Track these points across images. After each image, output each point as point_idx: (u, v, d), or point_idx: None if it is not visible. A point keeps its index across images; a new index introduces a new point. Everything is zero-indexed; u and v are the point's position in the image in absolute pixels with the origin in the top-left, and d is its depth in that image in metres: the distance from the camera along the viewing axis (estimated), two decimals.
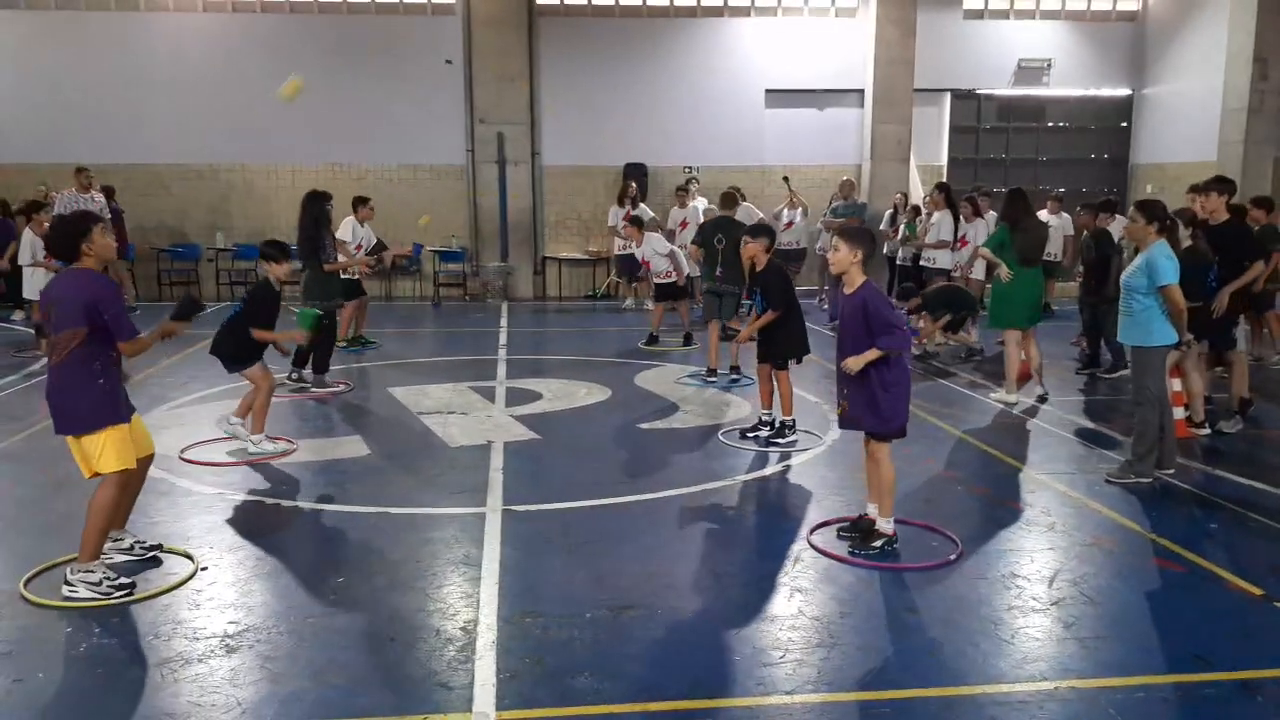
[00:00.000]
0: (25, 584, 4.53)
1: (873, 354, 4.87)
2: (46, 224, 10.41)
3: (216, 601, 4.48)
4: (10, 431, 7.28)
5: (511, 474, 6.38)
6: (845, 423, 5.21)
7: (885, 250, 12.91)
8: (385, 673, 3.81)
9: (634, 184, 14.64)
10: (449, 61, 15.34)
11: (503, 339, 11.89)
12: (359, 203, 10.77)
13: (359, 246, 10.60)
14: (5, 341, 11.28)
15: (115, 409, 4.55)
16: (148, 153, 15.16)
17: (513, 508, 5.69)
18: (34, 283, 10.07)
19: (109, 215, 13.05)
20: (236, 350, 6.80)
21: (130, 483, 4.72)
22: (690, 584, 4.77)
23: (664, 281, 11.16)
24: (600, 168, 15.70)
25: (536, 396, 8.64)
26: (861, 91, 15.96)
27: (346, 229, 10.49)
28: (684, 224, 13.17)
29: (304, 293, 8.91)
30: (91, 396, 4.46)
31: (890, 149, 15.77)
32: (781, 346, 7.14)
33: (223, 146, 15.32)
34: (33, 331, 10.65)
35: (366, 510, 5.68)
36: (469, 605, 4.40)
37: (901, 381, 5.02)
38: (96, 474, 4.53)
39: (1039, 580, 4.73)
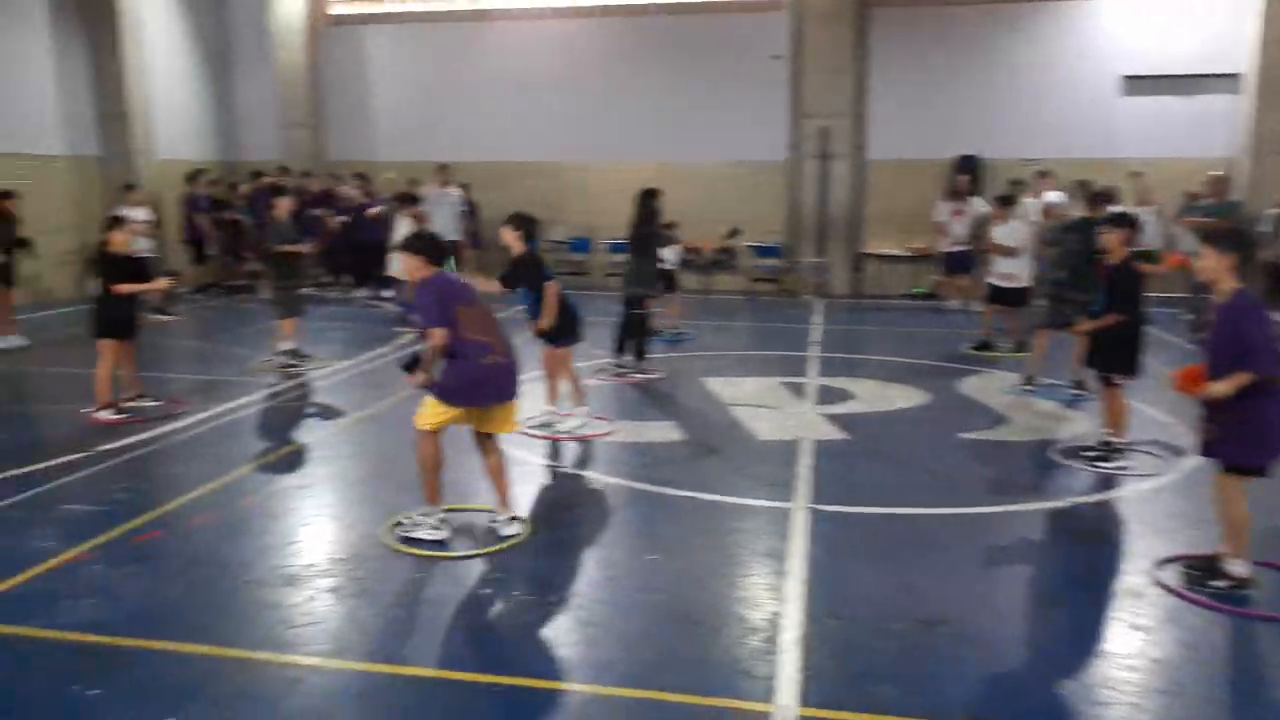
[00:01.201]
0: (387, 530, 5.14)
1: (1242, 378, 4.25)
2: (416, 213, 11.77)
3: (540, 564, 4.84)
4: (379, 397, 8.29)
5: (820, 473, 6.31)
6: (1206, 449, 4.60)
7: (1270, 256, 11.26)
8: (691, 653, 3.92)
9: (964, 177, 13.91)
10: (776, 57, 15.43)
11: (816, 336, 11.79)
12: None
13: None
14: (375, 319, 12.85)
15: None
16: (496, 151, 16.62)
17: (820, 507, 5.62)
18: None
19: (465, 208, 14.51)
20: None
21: None
22: (1010, 606, 4.47)
23: (1000, 283, 10.46)
24: (927, 161, 15.07)
25: (849, 396, 8.49)
26: (1237, 76, 14.08)
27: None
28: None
29: (625, 280, 9.37)
30: None
31: (1275, 142, 13.76)
32: (1112, 356, 6.45)
33: (562, 145, 16.46)
34: (401, 308, 12.02)
35: (677, 494, 5.86)
36: (773, 599, 4.40)
37: (1272, 411, 4.36)
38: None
39: None
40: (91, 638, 3.96)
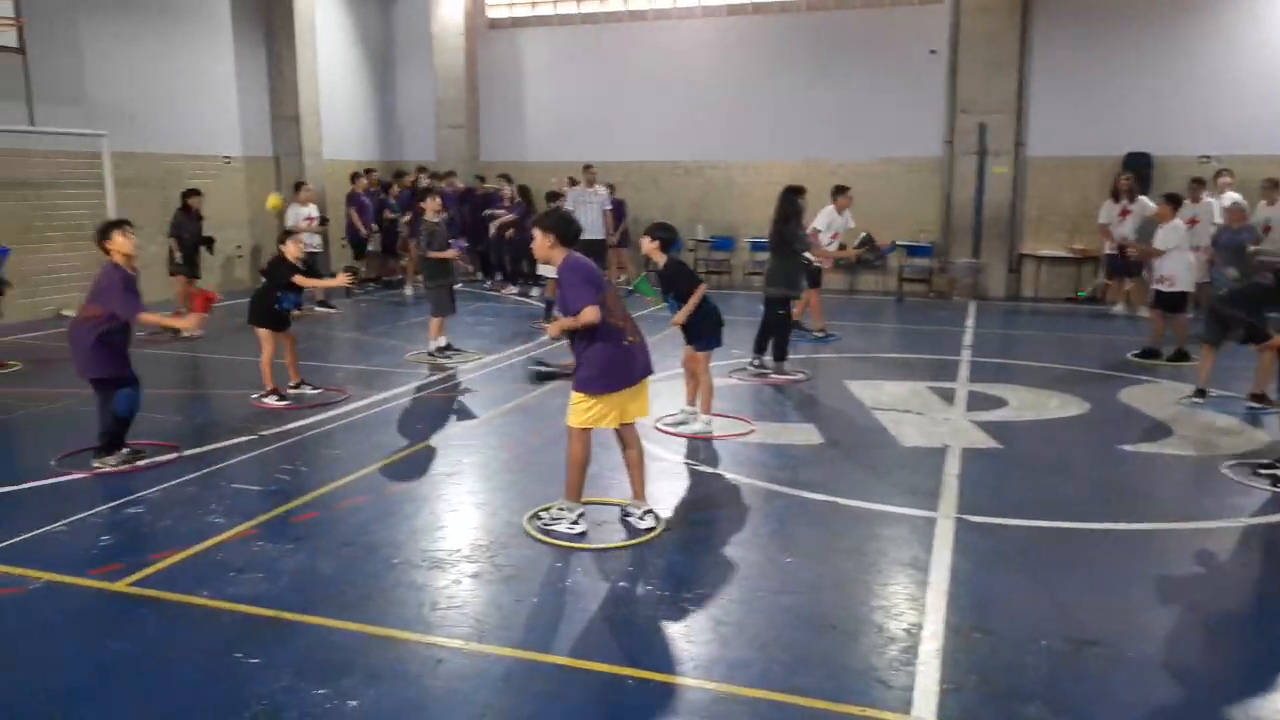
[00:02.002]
0: (528, 520, 5.26)
1: None
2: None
3: (675, 561, 4.85)
4: (525, 390, 8.48)
5: (968, 482, 6.08)
6: None
7: None
8: (826, 658, 3.84)
9: (1126, 176, 13.06)
10: (933, 52, 14.98)
11: (968, 339, 11.37)
12: (837, 192, 11.17)
13: (834, 235, 11.00)
14: (523, 315, 13.19)
15: None
16: (643, 151, 16.80)
17: (967, 517, 5.41)
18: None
19: (610, 206, 14.70)
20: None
21: None
22: (1169, 630, 4.19)
23: (1157, 286, 9.87)
24: (1093, 158, 14.30)
25: (1001, 403, 8.14)
26: None
27: (823, 218, 10.93)
28: (1193, 221, 11.51)
29: (767, 279, 9.28)
30: None
31: None
32: None
33: (709, 144, 16.47)
34: (544, 306, 12.30)
35: (816, 497, 5.76)
36: (914, 609, 4.27)
37: None
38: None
39: None
40: (253, 609, 4.22)
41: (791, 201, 9.18)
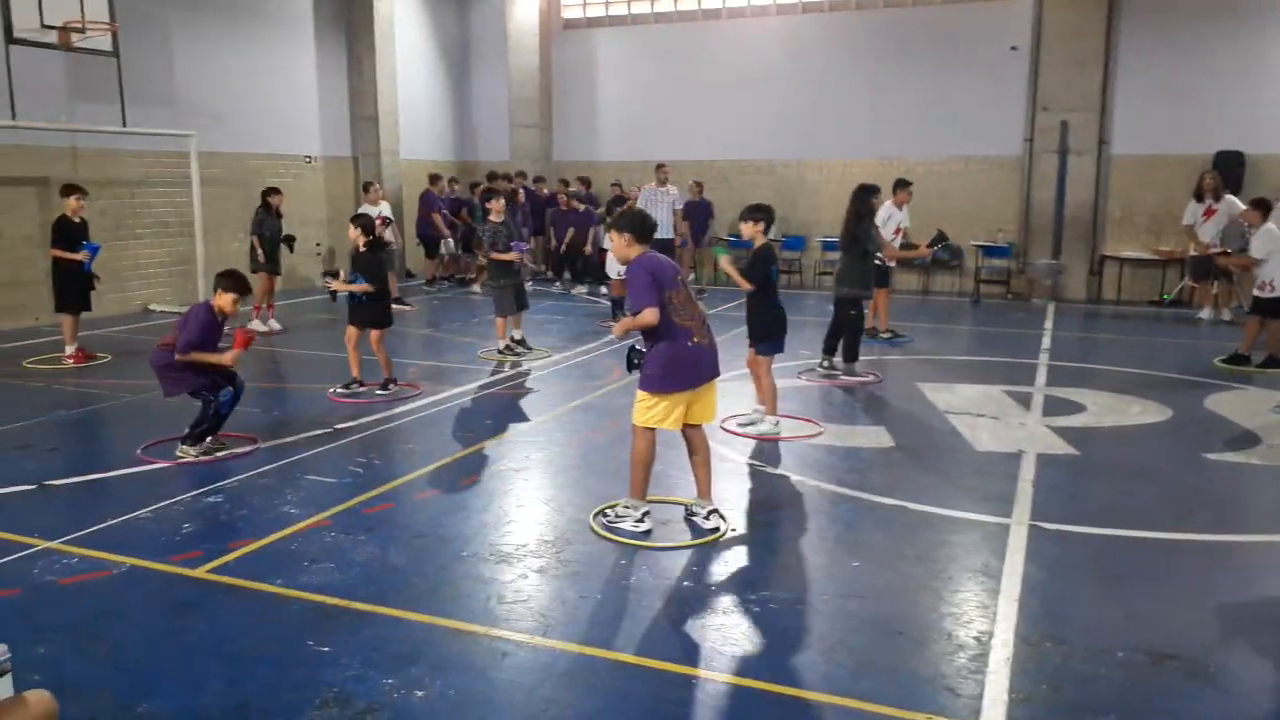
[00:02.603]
0: (593, 517, 5.30)
1: None
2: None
3: (740, 562, 4.83)
4: (592, 388, 8.55)
5: (1043, 488, 5.93)
6: None
7: None
8: (892, 663, 3.79)
9: (1211, 174, 12.53)
10: (1014, 48, 14.64)
11: (1046, 342, 11.09)
12: (898, 186, 10.94)
13: (897, 231, 10.80)
14: (594, 313, 13.27)
15: None
16: (715, 150, 16.74)
17: (1041, 524, 5.28)
18: (616, 263, 11.65)
19: (680, 206, 14.69)
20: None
21: None
22: (1256, 647, 4.02)
23: (1256, 292, 9.51)
24: (1179, 156, 13.82)
25: (1079, 408, 7.92)
26: None
27: (881, 213, 10.65)
28: None
29: (838, 279, 9.17)
30: None
31: None
32: None
33: (781, 143, 16.35)
34: (610, 305, 12.36)
35: (885, 501, 5.68)
36: (984, 616, 4.19)
37: None
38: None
39: None
40: (325, 598, 4.33)
41: (864, 200, 9.06)
